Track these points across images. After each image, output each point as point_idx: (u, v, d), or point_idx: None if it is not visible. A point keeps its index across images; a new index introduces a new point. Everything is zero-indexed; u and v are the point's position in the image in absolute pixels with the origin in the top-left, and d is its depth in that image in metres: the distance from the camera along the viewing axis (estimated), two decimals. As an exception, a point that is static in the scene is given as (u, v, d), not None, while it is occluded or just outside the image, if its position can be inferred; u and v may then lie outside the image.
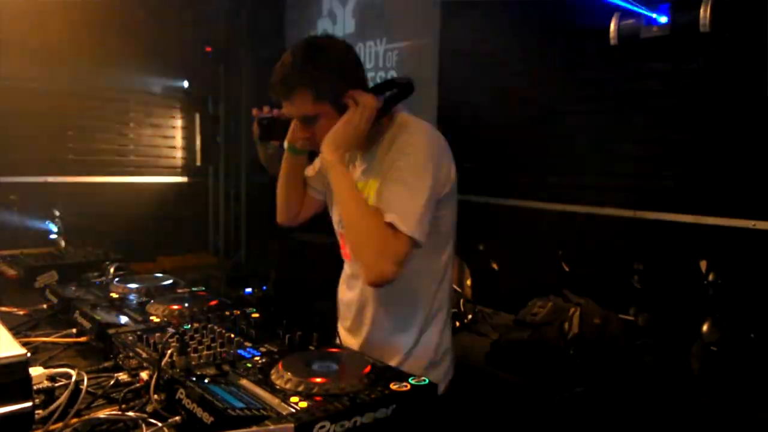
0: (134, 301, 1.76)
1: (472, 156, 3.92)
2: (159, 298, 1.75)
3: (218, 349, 1.29)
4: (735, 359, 2.48)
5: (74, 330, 1.61)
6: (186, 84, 5.52)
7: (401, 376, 1.19)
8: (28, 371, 1.07)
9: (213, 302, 1.73)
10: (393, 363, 1.43)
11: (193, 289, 1.91)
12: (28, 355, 1.08)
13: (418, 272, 1.55)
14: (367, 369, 1.19)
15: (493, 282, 3.70)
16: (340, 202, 1.48)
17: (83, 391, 1.17)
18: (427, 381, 1.17)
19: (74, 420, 1.11)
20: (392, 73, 4.49)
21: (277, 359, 1.26)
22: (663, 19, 2.77)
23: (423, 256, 1.52)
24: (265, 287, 4.14)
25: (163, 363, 1.20)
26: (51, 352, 1.51)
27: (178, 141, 5.56)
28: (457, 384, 1.67)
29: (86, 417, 1.13)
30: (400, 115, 1.57)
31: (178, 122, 5.58)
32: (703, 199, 2.84)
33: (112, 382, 1.28)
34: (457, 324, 3.34)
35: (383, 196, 1.44)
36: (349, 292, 1.70)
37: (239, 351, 1.33)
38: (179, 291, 1.88)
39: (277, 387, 1.13)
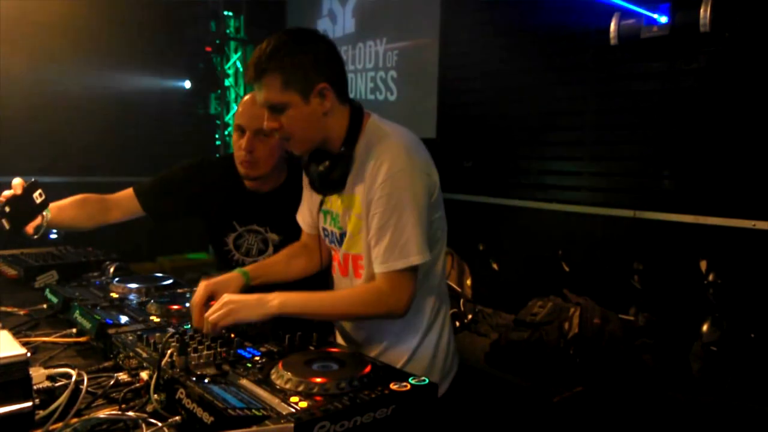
0: (134, 301, 1.76)
1: (472, 156, 3.94)
2: (159, 298, 1.75)
3: (218, 349, 1.29)
4: (735, 359, 2.48)
5: (74, 330, 1.61)
6: (186, 84, 5.52)
7: (401, 376, 1.19)
8: (28, 371, 1.07)
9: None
10: (397, 366, 1.42)
11: (193, 289, 1.90)
12: (28, 355, 1.08)
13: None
14: (367, 369, 1.18)
15: (493, 282, 3.70)
16: (325, 315, 1.52)
17: (83, 391, 1.17)
18: (427, 381, 1.17)
19: (74, 420, 1.11)
20: (392, 73, 4.49)
21: (277, 359, 1.26)
22: (663, 19, 2.77)
23: None
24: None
25: (163, 363, 1.20)
26: (51, 352, 1.50)
27: (178, 141, 5.56)
28: (457, 384, 1.67)
29: (86, 417, 1.13)
30: (372, 118, 1.54)
31: (178, 122, 5.58)
32: (703, 199, 2.84)
33: (112, 382, 1.28)
34: (457, 324, 3.34)
35: (373, 248, 1.46)
36: None
37: (239, 351, 1.32)
38: (179, 291, 1.88)
39: (277, 387, 1.13)
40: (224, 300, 1.41)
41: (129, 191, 2.06)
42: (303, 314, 1.44)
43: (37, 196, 1.71)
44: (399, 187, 1.42)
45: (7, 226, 1.65)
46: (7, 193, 1.69)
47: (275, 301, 1.41)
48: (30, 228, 1.74)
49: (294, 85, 1.42)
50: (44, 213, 1.77)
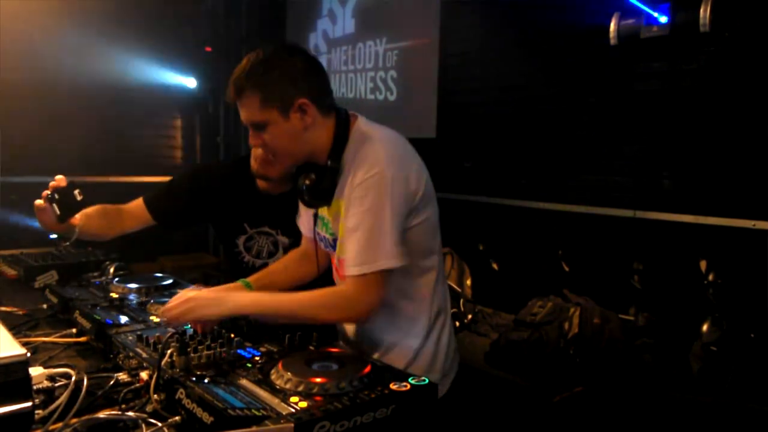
0: (134, 301, 1.76)
1: (472, 156, 3.94)
2: (159, 298, 1.75)
3: (218, 349, 1.29)
4: (735, 359, 2.48)
5: (74, 330, 1.61)
6: (186, 84, 5.52)
7: (401, 376, 1.19)
8: (28, 371, 1.07)
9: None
10: (399, 368, 1.42)
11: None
12: (28, 355, 1.08)
13: (410, 280, 1.55)
14: (367, 369, 1.19)
15: (493, 282, 3.70)
16: (285, 317, 1.48)
17: (83, 391, 1.17)
18: (426, 381, 1.17)
19: (74, 420, 1.11)
20: (392, 73, 4.49)
21: (277, 359, 1.26)
22: (663, 19, 2.77)
23: (412, 263, 1.52)
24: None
25: (163, 363, 1.20)
26: (51, 352, 1.50)
27: (178, 141, 5.56)
28: (457, 384, 1.67)
29: (86, 417, 1.13)
30: (357, 123, 1.54)
31: (178, 122, 5.58)
32: (703, 199, 2.84)
33: (112, 382, 1.28)
34: (457, 324, 3.34)
35: (345, 251, 1.45)
36: None
37: (239, 351, 1.33)
38: (179, 291, 1.88)
39: (277, 387, 1.13)
40: (185, 297, 1.42)
41: (139, 202, 2.06)
42: (262, 314, 1.45)
43: (77, 194, 1.76)
44: (374, 190, 1.40)
45: (58, 211, 1.72)
46: (52, 183, 1.73)
47: (232, 302, 1.42)
48: (75, 220, 1.78)
49: (272, 103, 1.43)
50: (77, 217, 1.81)
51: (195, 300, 1.41)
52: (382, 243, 1.40)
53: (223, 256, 2.30)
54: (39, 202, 1.72)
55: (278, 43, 1.53)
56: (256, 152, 1.92)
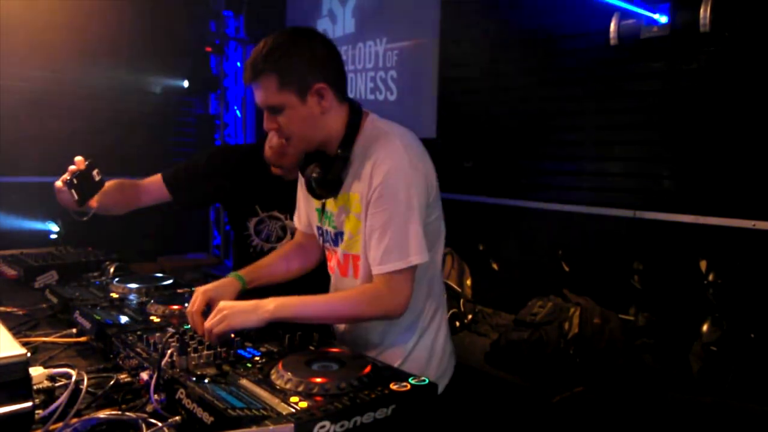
0: (134, 301, 1.76)
1: (472, 156, 3.94)
2: (159, 298, 1.75)
3: (218, 349, 1.29)
4: (735, 359, 2.48)
5: (74, 330, 1.61)
6: (185, 84, 5.51)
7: (401, 376, 1.19)
8: (28, 371, 1.07)
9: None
10: (394, 365, 1.42)
11: (193, 288, 1.90)
12: (28, 355, 1.08)
13: None
14: (367, 369, 1.19)
15: (493, 282, 3.70)
16: (321, 318, 1.50)
17: (83, 391, 1.17)
18: (427, 381, 1.17)
19: (74, 420, 1.11)
20: (392, 73, 4.49)
21: (277, 359, 1.26)
22: (663, 19, 2.77)
23: None
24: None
25: (163, 363, 1.20)
26: (51, 352, 1.50)
27: (178, 141, 5.55)
28: (457, 384, 1.67)
29: (86, 417, 1.13)
30: (370, 117, 1.54)
31: (178, 122, 5.57)
32: (703, 199, 2.84)
33: (112, 382, 1.28)
34: (457, 324, 3.34)
35: (371, 249, 1.45)
36: None
37: (239, 351, 1.33)
38: (179, 291, 1.88)
39: (277, 387, 1.13)
40: (219, 307, 1.41)
41: (157, 178, 2.10)
42: (299, 318, 1.44)
43: (95, 175, 1.78)
44: (397, 187, 1.41)
45: (76, 196, 1.73)
46: (72, 167, 1.75)
47: (270, 306, 1.40)
48: (93, 202, 1.80)
49: (290, 86, 1.42)
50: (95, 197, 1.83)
51: (228, 308, 1.39)
52: (410, 239, 1.41)
53: (234, 239, 2.31)
54: (59, 184, 1.74)
55: (296, 27, 1.52)
56: (271, 140, 1.93)
